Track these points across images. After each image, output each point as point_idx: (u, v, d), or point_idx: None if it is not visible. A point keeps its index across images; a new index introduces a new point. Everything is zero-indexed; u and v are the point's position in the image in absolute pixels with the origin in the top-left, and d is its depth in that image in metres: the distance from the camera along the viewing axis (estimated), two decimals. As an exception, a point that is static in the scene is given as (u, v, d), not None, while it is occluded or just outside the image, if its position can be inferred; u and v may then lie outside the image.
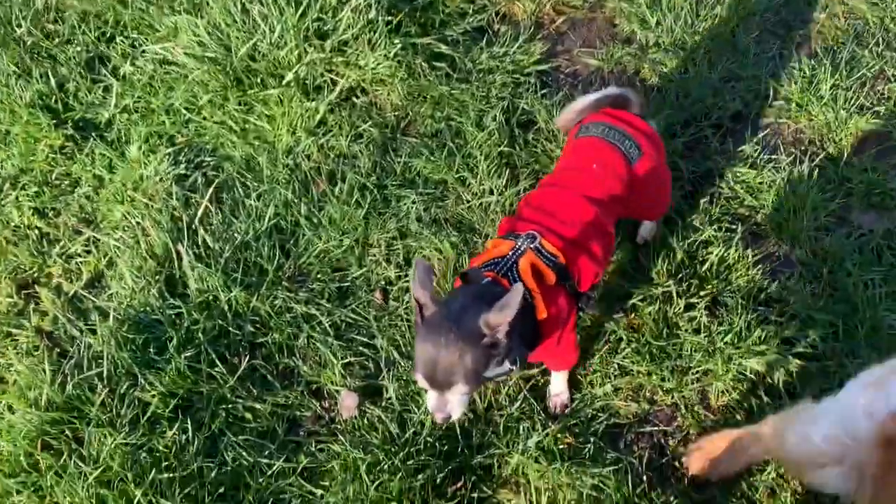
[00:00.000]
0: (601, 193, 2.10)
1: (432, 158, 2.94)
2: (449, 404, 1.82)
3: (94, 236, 2.93)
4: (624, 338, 2.55)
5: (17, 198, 3.04)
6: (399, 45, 3.10)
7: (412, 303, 1.82)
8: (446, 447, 2.39)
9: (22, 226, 3.00)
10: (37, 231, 2.98)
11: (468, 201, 2.85)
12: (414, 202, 2.84)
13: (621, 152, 2.15)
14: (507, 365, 1.91)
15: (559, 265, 1.96)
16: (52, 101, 3.22)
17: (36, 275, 2.90)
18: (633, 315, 2.60)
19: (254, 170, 3.01)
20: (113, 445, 2.42)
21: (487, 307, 1.72)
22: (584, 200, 2.06)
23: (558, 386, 2.44)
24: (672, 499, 2.30)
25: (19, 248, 2.92)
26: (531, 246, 1.95)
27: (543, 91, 3.12)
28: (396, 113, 3.10)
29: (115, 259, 2.85)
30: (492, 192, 2.86)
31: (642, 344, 2.53)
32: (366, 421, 2.46)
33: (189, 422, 2.45)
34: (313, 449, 2.44)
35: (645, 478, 2.35)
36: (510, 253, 1.94)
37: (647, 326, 2.55)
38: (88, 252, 2.92)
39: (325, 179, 2.95)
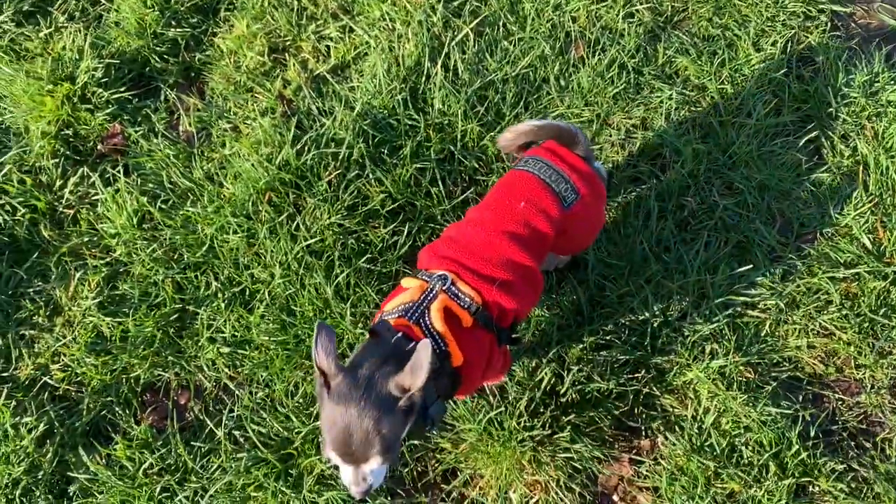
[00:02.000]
0: (526, 232, 1.95)
1: (699, 62, 2.84)
2: (368, 477, 1.65)
3: (350, 25, 2.98)
4: (836, 301, 2.50)
5: (286, -36, 3.09)
6: (701, -64, 2.96)
7: (315, 372, 1.67)
8: (635, 339, 2.44)
9: (285, -7, 3.06)
10: (298, 1, 3.04)
11: (722, 115, 2.77)
12: (671, 97, 2.77)
13: (555, 194, 2.00)
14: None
15: (475, 306, 1.83)
16: None
17: (288, 43, 2.99)
18: (853, 283, 2.53)
19: (517, 14, 2.97)
20: (328, 222, 2.55)
21: (397, 368, 1.61)
22: (506, 238, 1.91)
23: None
24: (833, 470, 2.30)
25: (279, 13, 3.00)
26: (444, 288, 1.82)
27: (833, 33, 2.94)
28: (675, 4, 2.98)
29: (367, 53, 2.90)
30: (749, 115, 2.76)
31: (855, 313, 2.47)
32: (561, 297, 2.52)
33: (407, 226, 2.55)
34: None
35: (811, 434, 2.35)
36: (421, 297, 1.82)
37: (864, 298, 2.49)
38: (341, 39, 2.97)
39: (587, 46, 2.89)
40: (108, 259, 2.60)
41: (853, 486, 2.29)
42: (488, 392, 2.36)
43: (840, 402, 2.44)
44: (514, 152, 2.23)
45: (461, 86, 2.78)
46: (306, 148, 2.65)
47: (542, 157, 2.08)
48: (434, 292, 1.83)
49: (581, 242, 2.32)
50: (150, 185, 2.70)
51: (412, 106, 2.76)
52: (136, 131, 2.79)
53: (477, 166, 2.71)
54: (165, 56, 2.95)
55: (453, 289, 1.84)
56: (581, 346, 2.41)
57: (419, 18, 2.91)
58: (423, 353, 1.56)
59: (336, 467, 1.68)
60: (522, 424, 2.28)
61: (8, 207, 2.64)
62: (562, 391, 2.35)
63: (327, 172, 2.62)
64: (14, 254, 2.61)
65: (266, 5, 3.02)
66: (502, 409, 2.29)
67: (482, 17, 2.94)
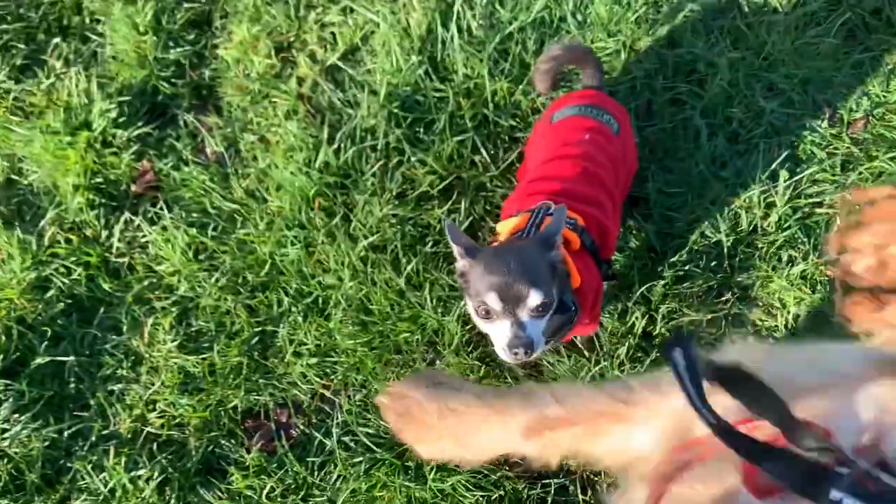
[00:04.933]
0: (604, 158, 1.99)
1: (712, -33, 2.75)
2: (527, 328, 1.60)
3: (349, 5, 2.88)
4: (902, 181, 2.48)
5: (268, -44, 2.97)
6: None
7: (455, 251, 1.71)
8: (713, 263, 2.43)
9: (275, -14, 2.95)
10: (291, -7, 2.93)
11: (748, 17, 2.69)
12: (692, 9, 2.69)
13: (604, 125, 2.05)
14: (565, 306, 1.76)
15: (581, 228, 1.84)
16: None
17: (292, 39, 2.89)
18: (916, 160, 2.50)
19: (516, -44, 2.86)
20: (382, 215, 2.52)
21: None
22: (586, 164, 1.94)
23: None
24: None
25: (275, 9, 2.89)
26: (548, 213, 1.80)
27: None
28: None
29: (373, 31, 2.82)
30: (776, 11, 2.68)
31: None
32: (630, 238, 2.50)
33: (462, 203, 2.51)
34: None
35: (907, 320, 2.36)
36: (529, 224, 1.80)
37: (930, 173, 2.47)
38: (344, 22, 2.88)
39: (595, -25, 2.79)
40: (174, 298, 2.58)
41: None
42: (581, 347, 2.37)
43: (925, 280, 2.44)
44: (552, 88, 2.30)
45: (479, 44, 2.70)
46: (342, 146, 2.59)
47: (572, 103, 2.13)
48: (540, 216, 1.82)
49: (632, 174, 2.30)
50: (195, 215, 2.66)
51: (435, 77, 2.69)
52: (165, 164, 2.73)
53: (514, 124, 2.66)
54: (172, 80, 2.86)
55: None
56: (663, 282, 2.40)
57: (419, -17, 2.81)
58: (559, 212, 1.66)
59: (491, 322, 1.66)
60: (626, 372, 2.30)
61: (62, 270, 2.61)
62: (655, 332, 2.36)
63: (369, 165, 2.57)
64: (81, 313, 2.59)
65: (260, 4, 2.91)
66: (605, 363, 2.30)
67: (483, -33, 2.83)
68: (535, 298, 1.58)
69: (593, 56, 2.29)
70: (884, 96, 2.58)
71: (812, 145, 2.54)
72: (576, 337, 2.34)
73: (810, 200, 2.48)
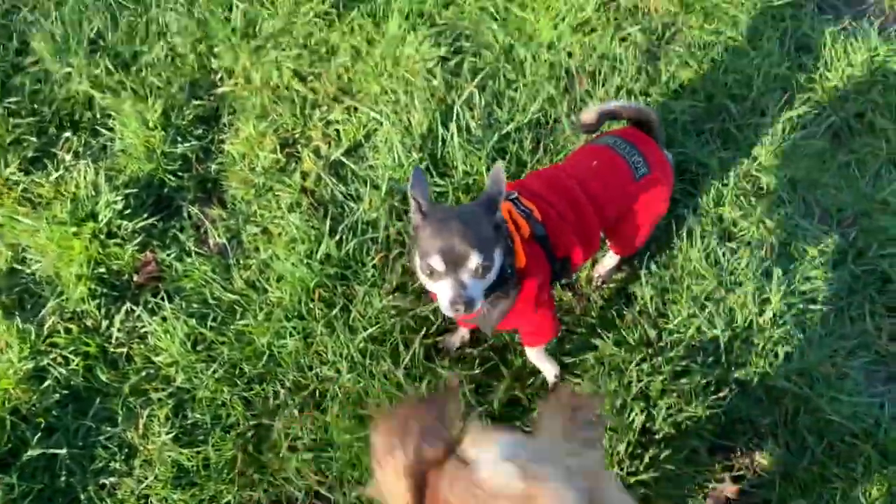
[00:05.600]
0: (594, 188, 2.09)
1: (701, 71, 2.88)
2: (468, 286, 1.78)
3: (353, 105, 2.99)
4: (894, 277, 2.53)
5: (276, 58, 3.10)
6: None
7: (411, 203, 1.87)
8: (711, 358, 2.44)
9: (282, 86, 3.07)
10: (296, 93, 3.05)
11: (737, 120, 2.81)
12: (683, 111, 2.80)
13: (627, 163, 2.14)
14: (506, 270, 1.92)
15: (535, 219, 1.98)
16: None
17: (297, 136, 2.99)
18: (906, 258, 2.56)
19: (513, 61, 3.00)
20: (381, 306, 2.54)
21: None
22: (572, 181, 2.08)
23: (538, 363, 2.44)
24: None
25: (282, 107, 3.00)
26: (509, 199, 1.98)
27: (823, 17, 3.00)
28: (664, 20, 3.03)
29: (376, 129, 2.91)
30: (763, 114, 2.80)
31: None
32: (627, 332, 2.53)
33: (462, 296, 2.54)
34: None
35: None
36: None
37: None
38: (348, 120, 2.98)
39: (588, 78, 2.92)
40: (170, 389, 2.56)
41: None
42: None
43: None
44: (590, 131, 2.34)
45: (477, 143, 2.80)
46: (344, 238, 2.64)
47: (616, 134, 2.23)
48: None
49: (640, 230, 2.31)
50: (195, 305, 2.68)
51: (436, 172, 2.77)
52: (168, 255, 2.76)
53: (511, 219, 2.72)
54: (179, 173, 2.93)
55: (516, 200, 2.00)
56: (661, 377, 2.41)
57: (420, 86, 2.93)
58: (498, 168, 1.82)
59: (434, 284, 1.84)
60: (626, 470, 2.27)
61: (60, 359, 2.60)
62: (655, 427, 2.35)
63: (370, 257, 2.62)
64: (76, 403, 2.56)
65: (267, 102, 3.02)
66: (605, 460, 2.28)
67: (482, 72, 2.96)
68: (475, 260, 1.76)
69: (655, 117, 2.27)
70: (871, 196, 2.66)
71: (803, 242, 2.60)
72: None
73: (804, 297, 2.52)
